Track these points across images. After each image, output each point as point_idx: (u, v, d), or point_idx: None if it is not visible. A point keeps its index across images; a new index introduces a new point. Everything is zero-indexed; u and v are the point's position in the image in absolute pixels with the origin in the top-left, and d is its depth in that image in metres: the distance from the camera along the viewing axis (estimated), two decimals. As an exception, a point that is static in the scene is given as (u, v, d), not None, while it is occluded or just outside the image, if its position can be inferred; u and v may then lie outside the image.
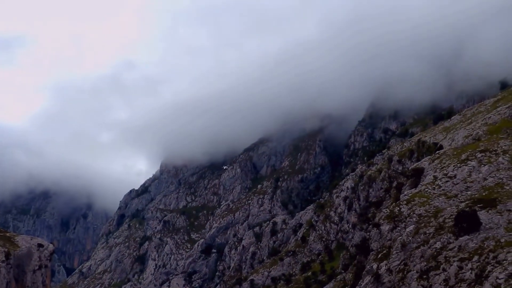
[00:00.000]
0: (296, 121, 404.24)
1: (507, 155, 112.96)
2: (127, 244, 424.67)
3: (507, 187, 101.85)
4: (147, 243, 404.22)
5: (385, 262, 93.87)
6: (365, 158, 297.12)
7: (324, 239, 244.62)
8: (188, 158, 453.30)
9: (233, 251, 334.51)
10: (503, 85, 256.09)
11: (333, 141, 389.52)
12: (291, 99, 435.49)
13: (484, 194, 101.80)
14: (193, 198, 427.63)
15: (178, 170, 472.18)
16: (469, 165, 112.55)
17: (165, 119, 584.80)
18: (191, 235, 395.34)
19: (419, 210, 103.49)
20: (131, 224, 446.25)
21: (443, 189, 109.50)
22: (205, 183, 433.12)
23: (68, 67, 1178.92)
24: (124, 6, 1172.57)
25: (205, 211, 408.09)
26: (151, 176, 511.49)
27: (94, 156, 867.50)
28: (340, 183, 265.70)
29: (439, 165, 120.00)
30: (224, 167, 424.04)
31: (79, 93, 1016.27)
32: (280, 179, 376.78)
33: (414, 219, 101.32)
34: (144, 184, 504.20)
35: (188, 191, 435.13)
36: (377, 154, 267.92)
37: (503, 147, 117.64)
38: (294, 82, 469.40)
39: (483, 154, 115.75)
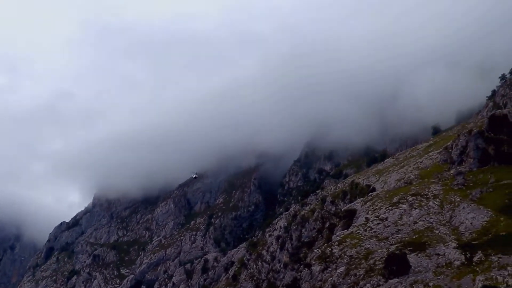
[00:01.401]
0: (232, 158, 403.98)
1: (438, 199, 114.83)
2: (54, 278, 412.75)
3: (437, 231, 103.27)
4: (75, 277, 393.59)
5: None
6: (299, 198, 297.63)
7: (255, 278, 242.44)
8: (122, 192, 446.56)
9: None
10: (436, 130, 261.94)
11: (268, 180, 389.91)
12: (228, 136, 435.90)
13: (414, 237, 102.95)
14: (125, 233, 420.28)
15: (111, 203, 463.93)
16: (400, 208, 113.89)
17: (100, 151, 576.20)
18: (121, 270, 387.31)
19: (351, 252, 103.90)
20: (59, 257, 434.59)
21: (374, 231, 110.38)
22: (138, 218, 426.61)
23: (2, 96, 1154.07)
24: (64, 36, 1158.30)
25: (136, 246, 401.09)
26: (83, 208, 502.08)
27: (26, 186, 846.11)
28: (274, 222, 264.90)
29: (371, 207, 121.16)
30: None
31: (12, 122, 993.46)
32: (214, 216, 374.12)
33: (345, 260, 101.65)
34: (75, 216, 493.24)
35: (120, 225, 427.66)
36: (311, 194, 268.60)
37: (434, 191, 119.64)
38: (232, 119, 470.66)
39: (415, 197, 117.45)
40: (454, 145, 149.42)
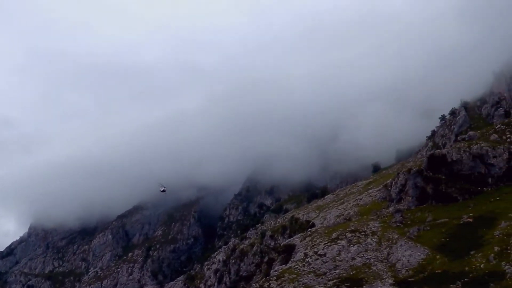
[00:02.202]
0: (173, 191, 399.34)
1: (376, 236, 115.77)
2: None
3: (374, 268, 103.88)
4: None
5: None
6: (239, 232, 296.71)
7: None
8: (59, 222, 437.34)
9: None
10: (376, 168, 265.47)
11: (208, 213, 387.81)
12: (169, 168, 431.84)
13: (352, 273, 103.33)
14: (61, 263, 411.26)
15: (47, 233, 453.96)
16: (339, 244, 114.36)
17: (39, 180, 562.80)
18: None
19: (289, 287, 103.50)
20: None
21: (312, 267, 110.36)
22: (75, 248, 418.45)
23: None
24: (8, 63, 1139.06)
25: (72, 277, 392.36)
26: (18, 238, 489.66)
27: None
28: (212, 256, 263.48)
29: (310, 242, 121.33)
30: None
31: None
32: (152, 248, 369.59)
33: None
34: (10, 246, 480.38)
35: (56, 256, 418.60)
36: (251, 228, 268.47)
37: (373, 228, 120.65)
38: (174, 151, 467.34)
39: (353, 234, 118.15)
40: (393, 183, 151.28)
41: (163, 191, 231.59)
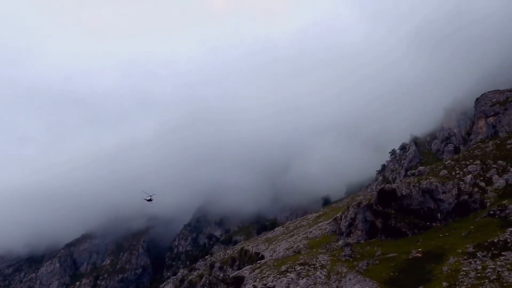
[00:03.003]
0: (122, 220, 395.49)
1: (325, 269, 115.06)
2: None
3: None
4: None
5: None
6: (188, 263, 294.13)
7: None
8: (6, 249, 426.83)
9: None
10: (326, 201, 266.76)
11: (158, 243, 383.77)
12: (119, 196, 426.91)
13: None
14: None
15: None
16: (288, 277, 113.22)
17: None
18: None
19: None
20: None
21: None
22: (21, 276, 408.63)
23: None
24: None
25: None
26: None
27: None
28: (161, 286, 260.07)
29: (259, 274, 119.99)
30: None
31: None
32: (100, 278, 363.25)
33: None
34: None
35: (2, 283, 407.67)
36: (200, 259, 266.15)
37: (322, 261, 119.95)
38: (125, 180, 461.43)
39: (302, 267, 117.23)
40: (343, 216, 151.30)
41: (149, 200, 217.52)
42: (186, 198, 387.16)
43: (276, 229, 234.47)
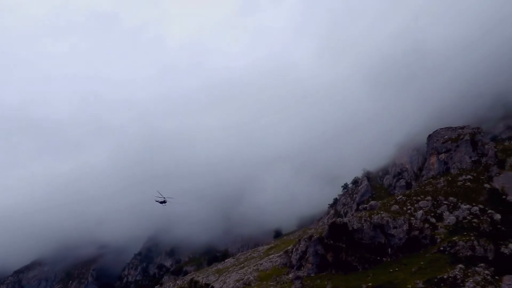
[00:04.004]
0: (73, 247, 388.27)
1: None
2: None
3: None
4: None
5: None
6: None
7: None
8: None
9: None
10: (277, 234, 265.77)
11: (108, 271, 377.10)
12: (70, 224, 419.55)
13: None
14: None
15: None
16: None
17: None
18: None
19: None
20: None
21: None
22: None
23: None
24: None
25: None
26: None
27: None
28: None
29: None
30: None
31: None
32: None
33: None
34: None
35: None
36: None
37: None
38: (77, 208, 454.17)
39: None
40: (294, 249, 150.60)
41: (163, 202, 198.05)
42: (137, 227, 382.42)
43: (227, 260, 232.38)
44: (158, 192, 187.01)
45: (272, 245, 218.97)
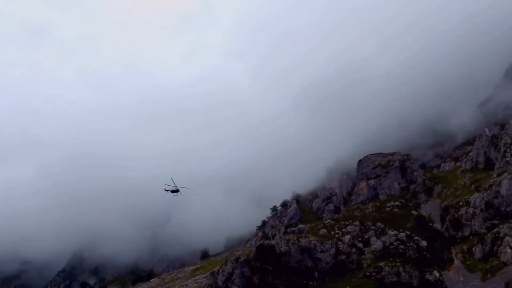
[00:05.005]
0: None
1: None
2: None
3: None
4: None
5: None
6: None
7: None
8: None
9: None
10: (204, 255, 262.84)
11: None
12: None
13: None
14: None
15: None
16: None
17: None
18: None
19: None
20: None
21: None
22: None
23: None
24: None
25: None
26: None
27: None
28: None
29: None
30: None
31: None
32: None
33: None
34: None
35: None
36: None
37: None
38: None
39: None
40: (220, 270, 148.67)
41: (175, 191, 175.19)
42: (62, 243, 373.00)
43: (152, 280, 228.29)
44: (171, 179, 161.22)
45: (199, 265, 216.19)
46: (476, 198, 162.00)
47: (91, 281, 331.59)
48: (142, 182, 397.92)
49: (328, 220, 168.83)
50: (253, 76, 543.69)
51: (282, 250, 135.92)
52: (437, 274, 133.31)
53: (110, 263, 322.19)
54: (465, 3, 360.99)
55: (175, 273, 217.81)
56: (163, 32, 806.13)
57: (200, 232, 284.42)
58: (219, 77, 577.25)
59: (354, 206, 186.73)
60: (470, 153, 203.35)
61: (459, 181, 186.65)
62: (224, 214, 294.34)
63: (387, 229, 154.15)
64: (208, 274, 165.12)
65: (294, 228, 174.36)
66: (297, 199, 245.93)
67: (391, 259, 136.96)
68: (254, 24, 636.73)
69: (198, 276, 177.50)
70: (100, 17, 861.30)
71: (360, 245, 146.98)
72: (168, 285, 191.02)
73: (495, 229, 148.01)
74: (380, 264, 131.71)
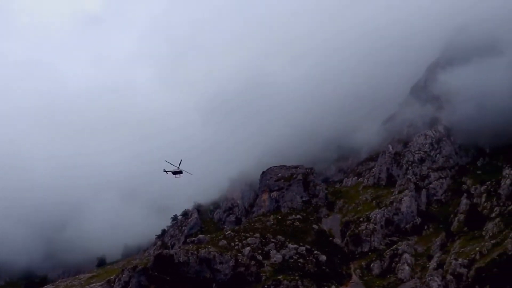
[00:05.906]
0: None
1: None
2: None
3: None
4: None
5: None
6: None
7: None
8: None
9: None
10: (101, 262, 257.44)
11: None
12: None
13: None
14: None
15: None
16: None
17: None
18: None
19: None
20: None
21: None
22: None
23: None
24: None
25: None
26: None
27: None
28: None
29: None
30: None
31: None
32: None
33: None
34: None
35: None
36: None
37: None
38: None
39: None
40: (117, 279, 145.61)
41: (176, 173, 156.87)
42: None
43: (45, 286, 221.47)
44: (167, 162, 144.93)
45: (95, 273, 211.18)
46: (377, 214, 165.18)
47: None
48: (38, 186, 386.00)
49: (229, 232, 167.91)
50: (159, 84, 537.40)
51: (181, 260, 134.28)
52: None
53: (3, 268, 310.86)
54: (371, 20, 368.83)
55: (70, 280, 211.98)
56: (70, 32, 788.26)
57: (97, 238, 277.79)
58: (125, 82, 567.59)
59: (256, 218, 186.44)
60: (373, 169, 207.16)
61: (360, 197, 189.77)
62: (122, 221, 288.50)
63: (287, 242, 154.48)
64: (104, 282, 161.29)
65: (194, 238, 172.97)
66: (198, 208, 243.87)
67: (290, 272, 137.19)
68: (165, 32, 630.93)
69: (94, 284, 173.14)
70: (7, 15, 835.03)
71: (260, 257, 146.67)
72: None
73: (394, 246, 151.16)
74: (279, 277, 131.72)
